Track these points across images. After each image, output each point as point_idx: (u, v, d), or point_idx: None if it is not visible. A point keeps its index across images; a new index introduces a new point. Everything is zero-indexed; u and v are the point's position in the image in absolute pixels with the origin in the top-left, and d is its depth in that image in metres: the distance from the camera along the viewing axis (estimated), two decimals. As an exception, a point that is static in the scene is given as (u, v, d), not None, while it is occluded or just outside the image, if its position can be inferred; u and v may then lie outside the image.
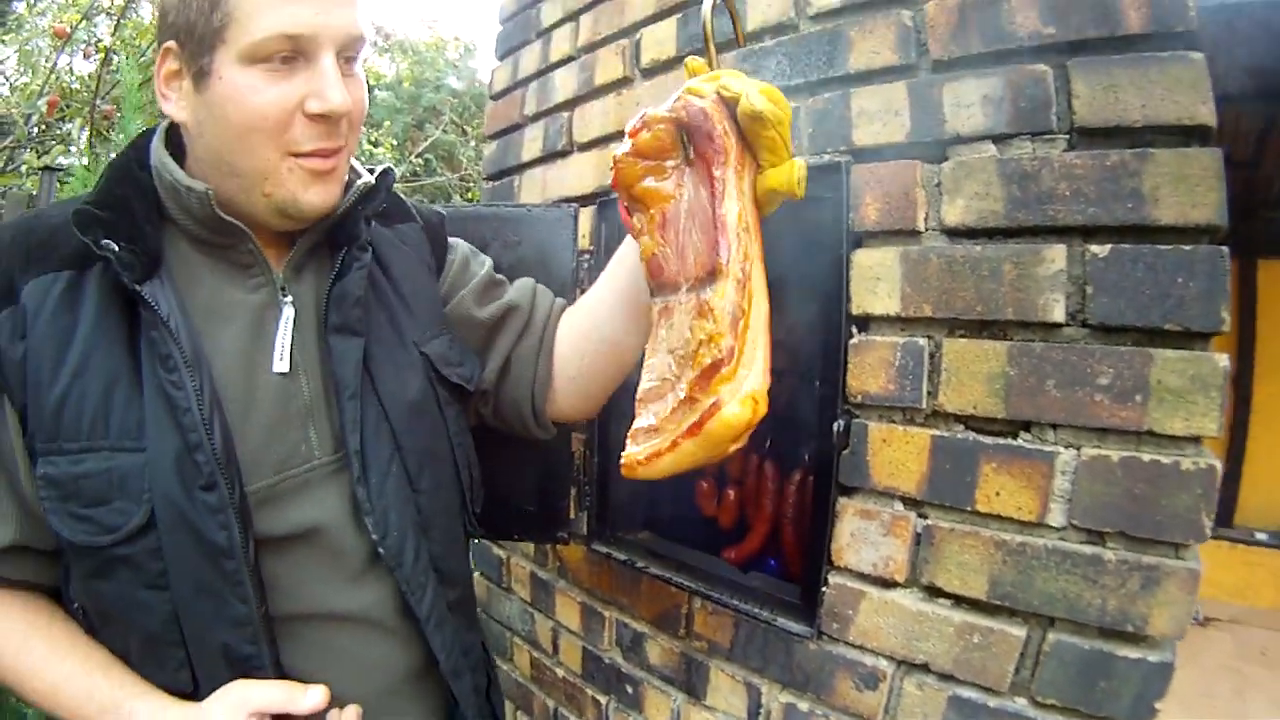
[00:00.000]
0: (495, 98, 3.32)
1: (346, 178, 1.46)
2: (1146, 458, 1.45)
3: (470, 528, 1.68)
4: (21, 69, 7.66)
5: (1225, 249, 1.42)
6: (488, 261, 1.86)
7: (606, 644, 2.50)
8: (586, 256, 2.53)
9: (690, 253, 1.23)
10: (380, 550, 1.40)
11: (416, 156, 9.84)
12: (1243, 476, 7.74)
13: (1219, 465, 1.42)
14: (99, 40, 6.60)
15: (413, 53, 13.08)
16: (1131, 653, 1.46)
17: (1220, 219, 1.42)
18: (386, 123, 10.97)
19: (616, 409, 2.01)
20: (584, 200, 2.60)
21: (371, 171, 1.55)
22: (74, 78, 6.65)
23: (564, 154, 2.83)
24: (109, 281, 1.29)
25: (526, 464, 2.17)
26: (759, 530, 2.15)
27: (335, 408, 1.42)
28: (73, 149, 6.53)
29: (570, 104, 2.81)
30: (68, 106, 6.30)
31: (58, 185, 4.26)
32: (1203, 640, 6.56)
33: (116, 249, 1.24)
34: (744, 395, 1.12)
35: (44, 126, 6.39)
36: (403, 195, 1.74)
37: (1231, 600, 7.20)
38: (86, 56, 6.57)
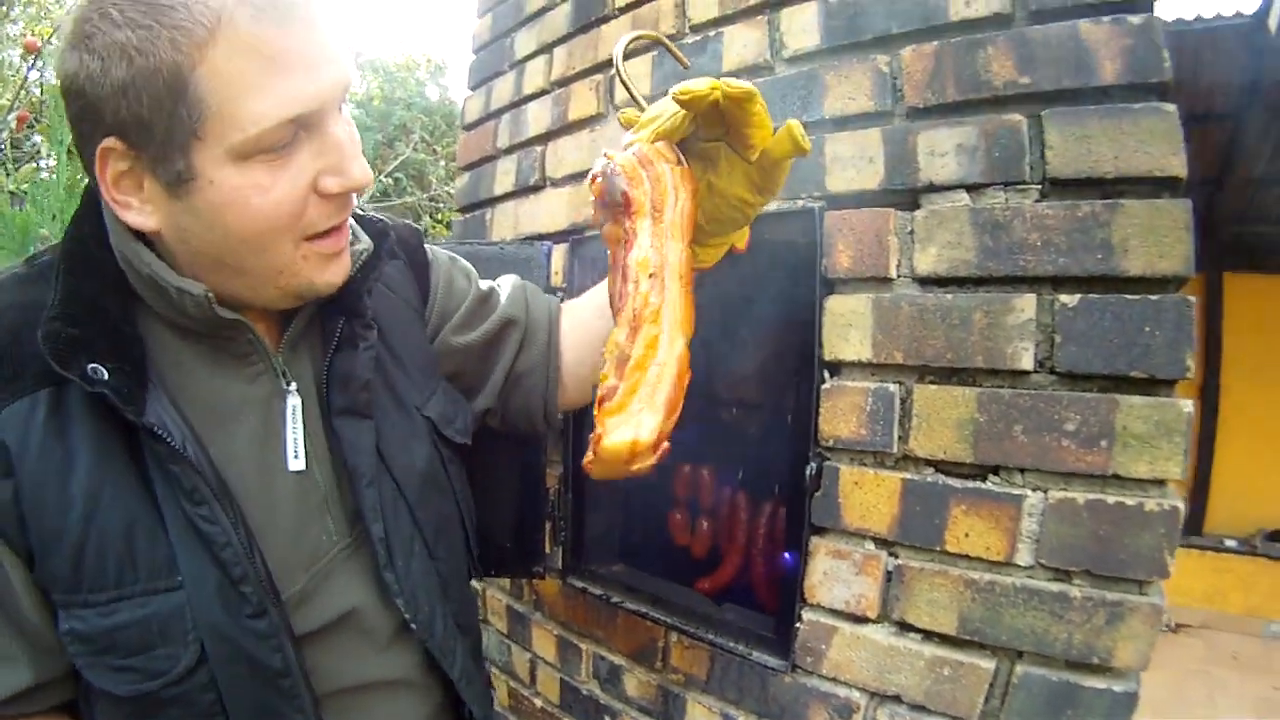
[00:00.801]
0: (468, 128, 3.32)
1: None
2: (1111, 500, 1.50)
3: (475, 573, 1.66)
4: None
5: (1192, 299, 1.48)
6: (470, 272, 1.77)
7: (584, 675, 2.53)
8: (560, 294, 2.52)
9: (614, 295, 1.28)
10: (413, 626, 1.36)
11: (387, 176, 9.84)
12: (1211, 485, 8.04)
13: (1182, 506, 1.48)
14: None
15: (383, 72, 13.03)
16: (1098, 683, 1.51)
17: (1187, 270, 1.47)
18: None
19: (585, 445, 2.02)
20: (557, 237, 2.64)
21: (363, 222, 1.48)
22: (45, 94, 6.63)
23: (537, 189, 2.83)
24: (96, 398, 1.13)
25: (503, 501, 2.20)
26: (731, 562, 2.20)
27: (347, 491, 1.35)
28: (43, 165, 6.53)
29: (543, 138, 2.81)
30: (38, 121, 6.28)
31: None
32: (1174, 646, 6.81)
33: (106, 376, 1.11)
34: (625, 433, 1.15)
35: (12, 143, 6.37)
36: (377, 215, 1.62)
37: (1202, 606, 7.43)
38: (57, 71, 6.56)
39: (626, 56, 1.44)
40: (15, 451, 1.11)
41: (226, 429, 1.25)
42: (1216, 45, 5.01)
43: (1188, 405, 1.47)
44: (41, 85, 6.74)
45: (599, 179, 1.25)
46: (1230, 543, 7.95)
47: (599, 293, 1.69)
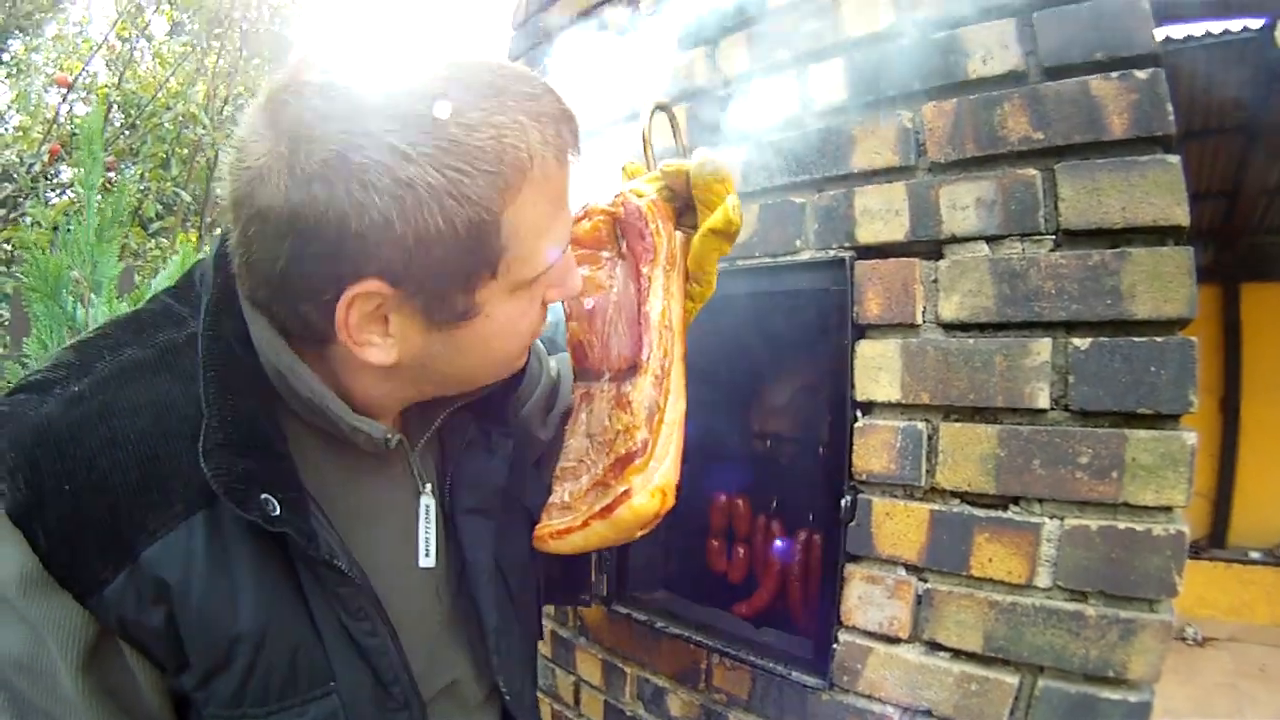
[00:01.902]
0: None
1: None
2: (1122, 526, 1.64)
3: (540, 632, 1.69)
4: (16, 109, 7.75)
5: (1194, 339, 1.61)
6: (541, 352, 1.66)
7: (628, 698, 2.65)
8: None
9: (614, 344, 1.30)
10: (507, 697, 1.40)
11: None
12: (1234, 498, 7.91)
13: (1187, 530, 1.61)
14: (101, 85, 6.68)
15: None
16: (1113, 695, 1.64)
17: (1190, 311, 1.60)
18: None
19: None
20: None
21: None
22: (74, 124, 6.74)
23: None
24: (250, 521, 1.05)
25: None
26: (768, 587, 2.31)
27: (454, 578, 1.36)
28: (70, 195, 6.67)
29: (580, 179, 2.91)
30: (69, 154, 6.40)
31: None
32: (1202, 660, 6.69)
33: (278, 511, 1.04)
34: (654, 487, 1.18)
35: (45, 175, 6.52)
36: None
37: (1228, 619, 7.32)
38: (86, 103, 6.67)
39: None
40: (178, 591, 1.03)
41: (369, 531, 1.24)
42: (1227, 60, 5.09)
43: (1191, 437, 1.60)
44: (71, 118, 6.83)
45: (625, 209, 1.29)
46: (1255, 554, 7.81)
47: None
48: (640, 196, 1.30)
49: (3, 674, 1.02)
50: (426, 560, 1.30)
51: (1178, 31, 5.03)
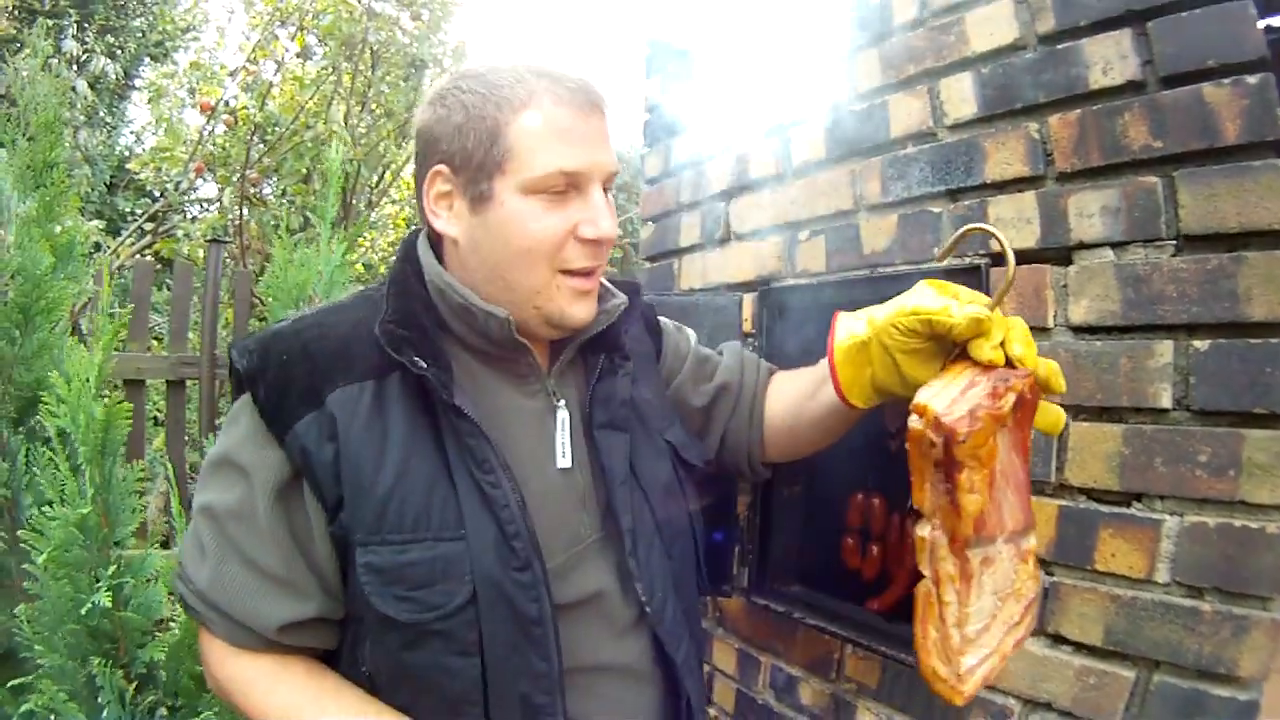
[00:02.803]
0: (650, 183, 3.60)
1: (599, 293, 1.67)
2: (1238, 524, 1.68)
3: (703, 585, 1.91)
4: (154, 131, 8.11)
5: None
6: (691, 336, 2.17)
7: (760, 686, 2.76)
8: (750, 339, 2.79)
9: (1005, 510, 1.45)
10: (648, 609, 1.62)
11: None
12: None
13: None
14: (243, 107, 6.93)
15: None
16: (1224, 692, 1.68)
17: None
18: None
19: (777, 471, 2.27)
20: (745, 287, 2.91)
21: (620, 285, 1.82)
22: (213, 143, 7.02)
23: (723, 241, 3.11)
24: (409, 389, 1.48)
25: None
26: (900, 581, 2.37)
27: (601, 492, 1.65)
28: (212, 210, 6.98)
29: (725, 195, 3.11)
30: (212, 172, 6.72)
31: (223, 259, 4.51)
32: None
33: (426, 367, 1.44)
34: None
35: (190, 190, 6.84)
36: (631, 280, 2.01)
37: None
38: (229, 126, 6.94)
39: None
40: (343, 424, 1.44)
41: (509, 430, 1.56)
42: None
43: None
44: (214, 139, 7.11)
45: (1031, 389, 1.47)
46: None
47: (801, 385, 1.98)
48: (1025, 368, 1.47)
49: (221, 521, 1.49)
50: (563, 461, 1.62)
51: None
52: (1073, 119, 1.96)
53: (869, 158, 2.47)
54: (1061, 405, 1.81)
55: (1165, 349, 1.80)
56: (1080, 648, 1.90)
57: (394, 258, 1.71)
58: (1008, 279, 1.52)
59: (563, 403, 1.67)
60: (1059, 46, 2.00)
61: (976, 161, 2.16)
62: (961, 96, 2.20)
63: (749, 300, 2.84)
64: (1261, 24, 1.75)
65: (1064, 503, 1.94)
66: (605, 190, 1.57)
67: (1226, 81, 1.72)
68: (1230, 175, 1.71)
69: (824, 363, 1.74)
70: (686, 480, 1.87)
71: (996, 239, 1.57)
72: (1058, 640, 1.94)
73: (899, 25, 2.40)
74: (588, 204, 1.52)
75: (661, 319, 2.12)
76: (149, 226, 7.35)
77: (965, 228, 1.65)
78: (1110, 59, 1.90)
